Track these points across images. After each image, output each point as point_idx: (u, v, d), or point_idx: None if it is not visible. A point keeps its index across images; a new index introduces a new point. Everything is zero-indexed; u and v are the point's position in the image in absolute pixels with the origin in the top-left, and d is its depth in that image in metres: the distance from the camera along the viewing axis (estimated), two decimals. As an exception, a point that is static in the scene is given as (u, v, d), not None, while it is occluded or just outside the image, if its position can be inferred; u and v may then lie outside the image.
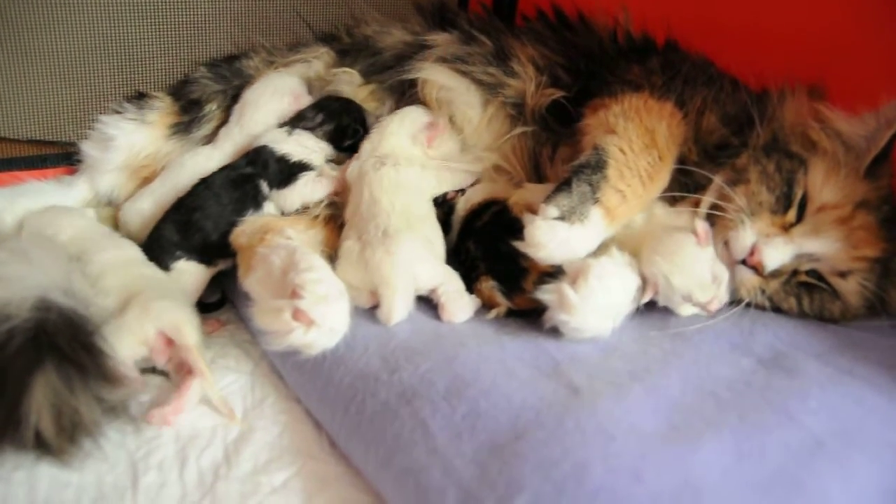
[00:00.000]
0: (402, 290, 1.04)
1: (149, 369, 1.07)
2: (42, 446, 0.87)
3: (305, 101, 1.43)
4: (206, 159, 1.35)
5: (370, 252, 1.08)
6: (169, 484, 0.89)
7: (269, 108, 1.39)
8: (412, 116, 1.34)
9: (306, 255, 1.01)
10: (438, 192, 1.28)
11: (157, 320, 1.03)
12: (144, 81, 1.67)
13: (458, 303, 1.09)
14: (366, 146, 1.29)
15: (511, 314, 1.10)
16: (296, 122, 1.37)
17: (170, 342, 1.04)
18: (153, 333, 1.03)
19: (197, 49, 1.67)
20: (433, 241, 1.15)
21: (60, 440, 0.88)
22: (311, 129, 1.36)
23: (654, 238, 1.08)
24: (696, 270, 1.03)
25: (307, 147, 1.34)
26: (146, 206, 1.32)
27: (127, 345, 1.01)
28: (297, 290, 0.94)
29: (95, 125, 1.40)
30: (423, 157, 1.30)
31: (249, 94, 1.41)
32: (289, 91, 1.42)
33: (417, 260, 1.08)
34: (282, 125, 1.37)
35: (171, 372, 1.06)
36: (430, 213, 1.21)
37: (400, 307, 1.04)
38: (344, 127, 1.37)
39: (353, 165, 1.26)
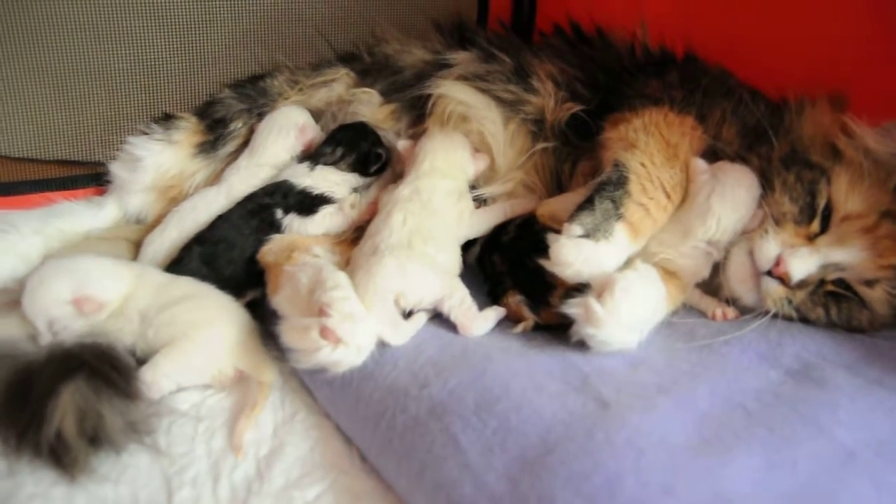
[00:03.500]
0: (378, 311, 1.03)
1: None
2: (59, 449, 0.88)
3: (311, 131, 1.44)
4: (213, 199, 1.35)
5: (356, 272, 1.07)
6: (203, 499, 0.90)
7: (277, 146, 1.40)
8: (456, 143, 1.32)
9: (333, 274, 1.03)
10: (463, 231, 1.26)
11: (241, 360, 1.09)
12: (171, 102, 1.69)
13: (469, 315, 1.08)
14: (409, 176, 1.27)
15: (538, 328, 1.10)
16: (316, 158, 1.36)
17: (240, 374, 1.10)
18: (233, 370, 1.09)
19: (222, 69, 1.69)
20: (435, 257, 1.13)
21: (80, 443, 0.89)
22: (335, 164, 1.36)
23: None
24: None
25: (330, 180, 1.34)
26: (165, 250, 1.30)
27: (196, 377, 1.07)
28: (324, 308, 0.96)
29: (123, 146, 1.42)
30: (461, 184, 1.29)
31: (256, 138, 1.42)
32: (292, 126, 1.42)
33: (401, 278, 1.06)
34: (301, 161, 1.37)
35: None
36: (444, 235, 1.18)
37: (383, 327, 1.02)
38: (365, 154, 1.37)
39: (390, 190, 1.25)
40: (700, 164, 1.15)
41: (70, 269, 1.11)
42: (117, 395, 0.94)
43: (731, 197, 1.10)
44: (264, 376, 1.07)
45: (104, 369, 0.96)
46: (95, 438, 0.91)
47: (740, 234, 1.12)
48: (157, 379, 1.03)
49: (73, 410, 0.90)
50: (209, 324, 1.10)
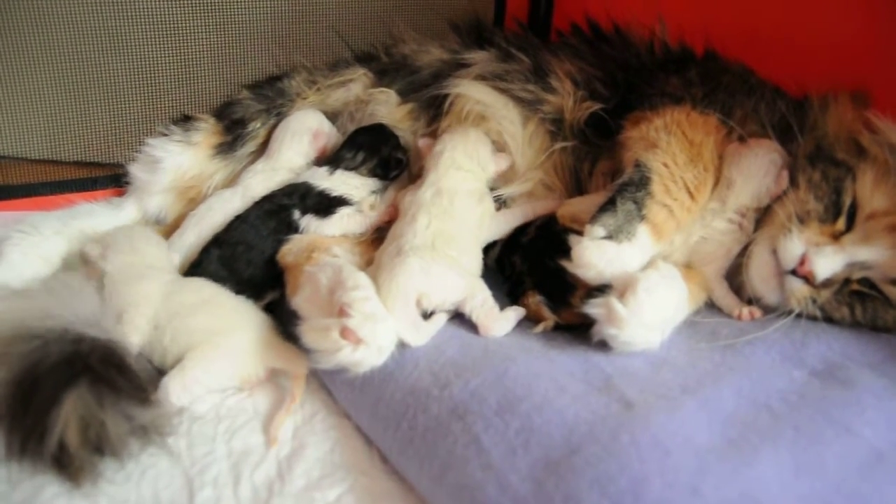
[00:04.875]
0: (400, 312, 1.02)
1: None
2: (63, 459, 0.88)
3: (325, 136, 1.44)
4: (229, 200, 1.35)
5: (379, 273, 1.07)
6: (224, 500, 0.90)
7: (291, 151, 1.41)
8: (477, 139, 1.32)
9: (353, 274, 1.02)
10: (484, 234, 1.25)
11: (272, 359, 1.09)
12: (189, 104, 1.70)
13: (490, 316, 1.08)
14: (430, 177, 1.26)
15: (558, 328, 1.10)
16: (336, 162, 1.35)
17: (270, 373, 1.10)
18: (264, 370, 1.09)
19: (240, 71, 1.70)
20: (457, 258, 1.13)
21: (84, 452, 0.89)
22: (355, 169, 1.35)
23: None
24: None
25: (350, 184, 1.34)
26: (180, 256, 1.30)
27: (226, 379, 1.08)
28: (344, 309, 0.96)
29: (143, 148, 1.43)
30: (481, 183, 1.28)
31: (273, 143, 1.43)
32: (305, 131, 1.42)
33: (425, 278, 1.06)
34: (320, 164, 1.37)
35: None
36: (466, 238, 1.18)
37: (404, 328, 1.01)
38: (386, 159, 1.37)
39: (411, 191, 1.25)
40: (733, 144, 1.18)
41: None
42: (123, 399, 0.93)
43: (748, 164, 1.14)
44: (298, 368, 1.07)
45: (109, 373, 0.95)
46: (100, 447, 0.90)
47: (767, 201, 1.14)
48: (186, 385, 1.03)
49: (75, 419, 0.89)
50: (230, 330, 1.10)
